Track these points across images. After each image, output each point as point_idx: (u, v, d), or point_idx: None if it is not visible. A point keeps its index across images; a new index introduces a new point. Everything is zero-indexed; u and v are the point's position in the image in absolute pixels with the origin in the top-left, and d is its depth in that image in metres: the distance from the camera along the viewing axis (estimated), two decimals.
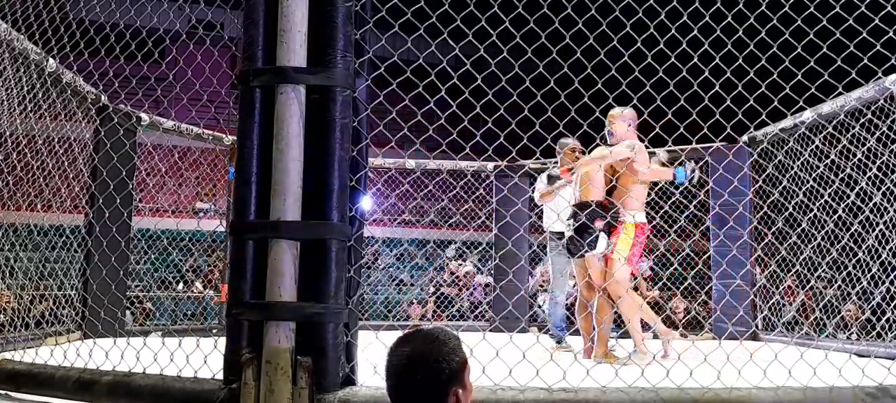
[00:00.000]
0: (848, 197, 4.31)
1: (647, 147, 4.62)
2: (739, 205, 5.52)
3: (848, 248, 4.39)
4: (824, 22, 2.63)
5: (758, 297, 5.99)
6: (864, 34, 2.54)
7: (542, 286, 8.38)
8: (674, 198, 4.99)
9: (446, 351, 1.54)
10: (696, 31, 2.78)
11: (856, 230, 4.34)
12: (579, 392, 2.26)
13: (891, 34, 2.53)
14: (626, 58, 2.95)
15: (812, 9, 2.65)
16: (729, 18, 2.77)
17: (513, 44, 2.84)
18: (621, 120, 4.42)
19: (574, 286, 5.43)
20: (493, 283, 8.12)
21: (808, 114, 5.16)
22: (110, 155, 4.57)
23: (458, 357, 1.56)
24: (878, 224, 4.20)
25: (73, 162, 5.06)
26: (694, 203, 5.59)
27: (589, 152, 4.72)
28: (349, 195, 2.39)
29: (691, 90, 2.81)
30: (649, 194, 4.63)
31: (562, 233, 5.12)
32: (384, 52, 2.78)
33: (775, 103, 2.78)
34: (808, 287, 6.01)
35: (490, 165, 7.39)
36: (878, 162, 4.36)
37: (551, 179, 4.92)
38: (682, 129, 2.95)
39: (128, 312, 6.56)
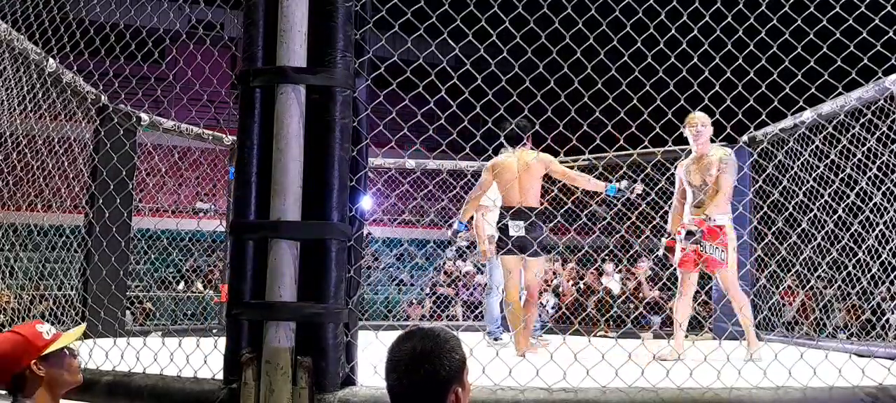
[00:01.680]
0: (848, 197, 4.31)
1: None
2: (739, 205, 5.52)
3: (848, 248, 4.39)
4: (824, 22, 2.63)
5: (758, 297, 5.99)
6: (864, 34, 2.54)
7: (546, 286, 8.40)
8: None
9: (448, 349, 1.56)
10: (696, 31, 2.77)
11: (856, 230, 4.34)
12: (579, 392, 2.26)
13: (891, 34, 2.53)
14: (626, 58, 2.95)
15: (812, 9, 2.65)
16: (729, 18, 2.77)
17: (513, 44, 2.84)
18: (710, 127, 4.61)
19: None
20: None
21: (808, 114, 5.15)
22: (110, 155, 4.57)
23: (458, 355, 1.57)
24: (878, 224, 4.20)
25: (73, 162, 5.06)
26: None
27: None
28: (349, 195, 2.39)
29: (691, 90, 2.81)
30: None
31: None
32: (384, 52, 2.77)
33: (775, 103, 2.78)
34: (808, 287, 6.01)
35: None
36: (878, 162, 4.36)
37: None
38: (682, 129, 2.95)
39: (128, 312, 6.56)
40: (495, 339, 5.66)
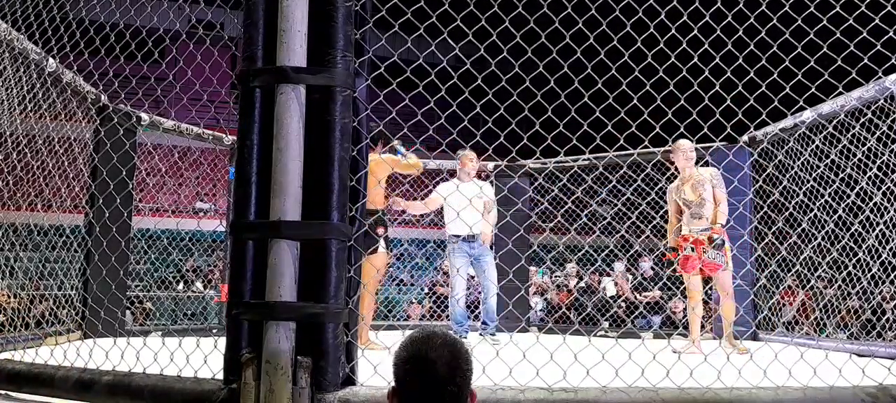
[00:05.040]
0: (848, 197, 4.31)
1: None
2: (739, 205, 5.53)
3: (848, 248, 4.39)
4: (824, 22, 2.62)
5: (757, 297, 5.99)
6: (865, 34, 2.54)
7: (541, 289, 8.42)
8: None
9: (466, 353, 1.54)
10: (696, 31, 2.77)
11: (856, 230, 4.34)
12: (579, 392, 2.26)
13: (891, 34, 2.52)
14: (626, 58, 2.95)
15: (812, 9, 2.65)
16: (729, 18, 2.77)
17: (513, 44, 2.84)
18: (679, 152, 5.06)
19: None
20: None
21: (808, 114, 5.15)
22: (110, 155, 4.57)
23: (472, 364, 1.56)
24: (878, 224, 4.20)
25: (73, 162, 5.06)
26: None
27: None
28: (349, 195, 2.39)
29: (691, 90, 2.81)
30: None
31: (458, 235, 5.67)
32: (384, 51, 2.77)
33: (775, 103, 2.78)
34: (808, 287, 6.01)
35: (490, 165, 7.39)
36: (878, 162, 4.36)
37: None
38: (682, 129, 2.95)
39: (128, 312, 6.56)
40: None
